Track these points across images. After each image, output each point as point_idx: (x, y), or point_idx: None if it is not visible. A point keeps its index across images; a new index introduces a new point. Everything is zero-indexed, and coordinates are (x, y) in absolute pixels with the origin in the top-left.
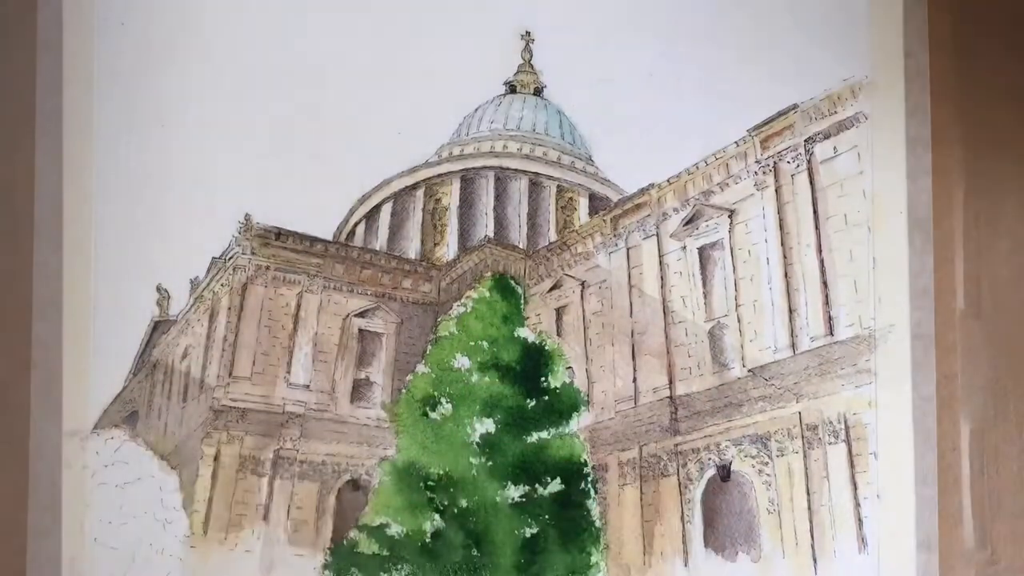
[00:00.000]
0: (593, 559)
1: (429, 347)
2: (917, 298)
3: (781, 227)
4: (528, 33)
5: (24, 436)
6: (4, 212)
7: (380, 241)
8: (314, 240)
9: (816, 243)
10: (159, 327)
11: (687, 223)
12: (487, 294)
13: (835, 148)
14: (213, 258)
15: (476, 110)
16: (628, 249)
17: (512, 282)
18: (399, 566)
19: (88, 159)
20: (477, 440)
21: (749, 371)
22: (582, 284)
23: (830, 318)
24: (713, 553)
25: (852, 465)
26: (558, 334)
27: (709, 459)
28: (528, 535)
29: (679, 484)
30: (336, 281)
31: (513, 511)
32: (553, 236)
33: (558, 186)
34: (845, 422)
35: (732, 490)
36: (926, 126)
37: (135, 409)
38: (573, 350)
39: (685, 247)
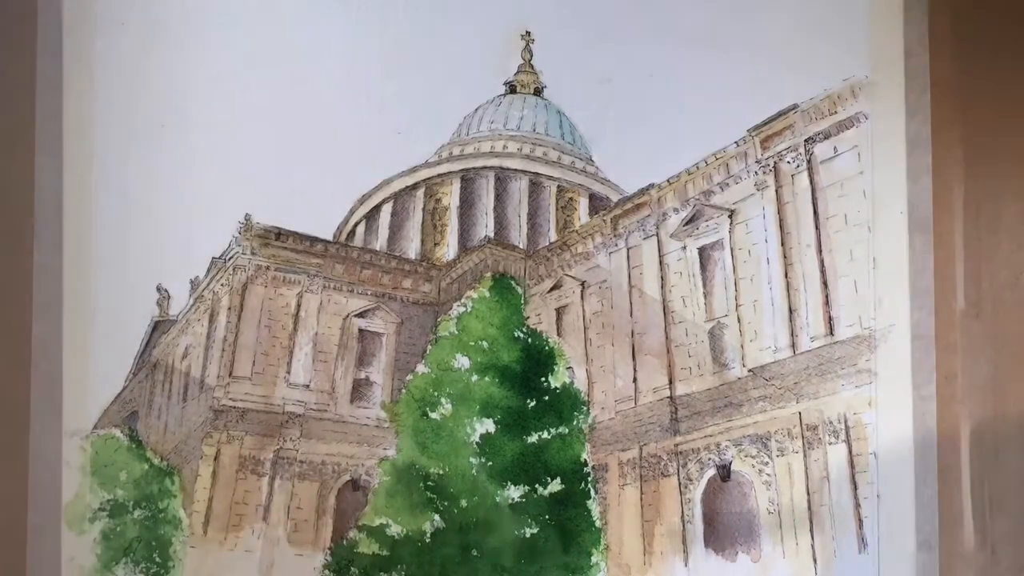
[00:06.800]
0: (593, 559)
1: (429, 347)
2: (917, 298)
3: (781, 227)
4: (528, 33)
5: (24, 436)
6: (4, 212)
7: (380, 241)
8: (314, 240)
9: (816, 243)
10: (159, 327)
11: (687, 223)
12: (487, 294)
13: (835, 148)
14: (213, 258)
15: (476, 110)
16: (628, 249)
17: (512, 282)
18: (399, 566)
19: (88, 159)
20: (477, 440)
21: (749, 371)
22: (582, 284)
23: (830, 318)
24: (713, 553)
25: (852, 465)
26: (558, 334)
27: (709, 459)
28: (528, 535)
29: (679, 484)
30: (336, 281)
31: (513, 511)
32: (553, 236)
33: (558, 186)
34: (845, 422)
35: (732, 490)
36: (926, 126)
37: (135, 409)
38: (573, 350)
39: (685, 247)
